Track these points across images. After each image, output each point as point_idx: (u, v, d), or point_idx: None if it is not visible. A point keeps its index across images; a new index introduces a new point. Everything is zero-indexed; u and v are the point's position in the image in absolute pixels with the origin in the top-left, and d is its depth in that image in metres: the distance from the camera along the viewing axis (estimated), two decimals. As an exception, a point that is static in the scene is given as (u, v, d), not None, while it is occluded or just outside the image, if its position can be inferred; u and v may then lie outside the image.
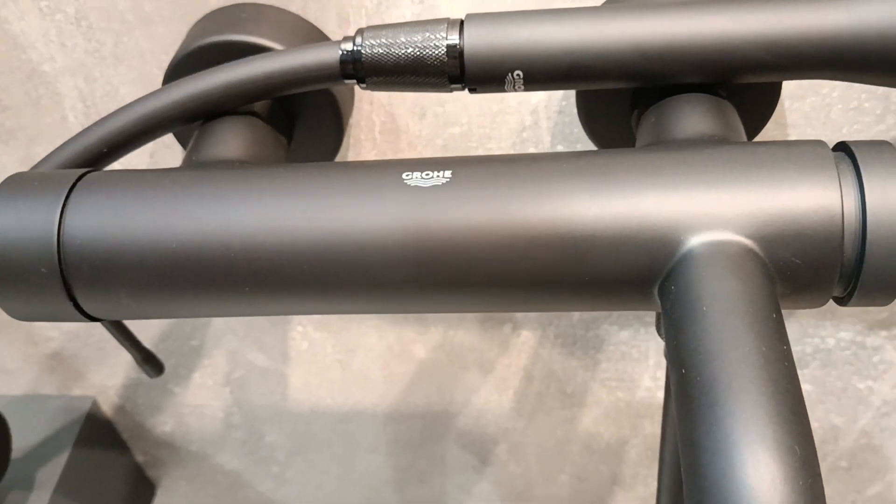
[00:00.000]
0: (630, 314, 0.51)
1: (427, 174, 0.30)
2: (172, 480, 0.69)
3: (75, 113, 0.44)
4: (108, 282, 0.31)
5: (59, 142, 0.45)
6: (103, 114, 0.43)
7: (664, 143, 0.32)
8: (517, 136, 0.42)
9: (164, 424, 0.63)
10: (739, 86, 0.34)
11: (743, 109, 0.35)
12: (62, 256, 0.31)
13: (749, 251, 0.27)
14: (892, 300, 0.29)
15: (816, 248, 0.27)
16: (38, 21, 0.40)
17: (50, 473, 0.59)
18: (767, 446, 0.22)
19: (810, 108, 0.40)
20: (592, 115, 0.37)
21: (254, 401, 0.60)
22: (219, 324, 0.54)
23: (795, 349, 0.52)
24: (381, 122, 0.42)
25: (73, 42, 0.41)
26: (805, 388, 0.54)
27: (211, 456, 0.66)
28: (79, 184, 0.32)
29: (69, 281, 0.31)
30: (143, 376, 0.59)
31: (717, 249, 0.27)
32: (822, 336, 0.51)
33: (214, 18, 0.38)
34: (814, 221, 0.27)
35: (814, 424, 0.56)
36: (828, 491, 0.61)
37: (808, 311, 0.50)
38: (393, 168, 0.30)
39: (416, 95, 0.41)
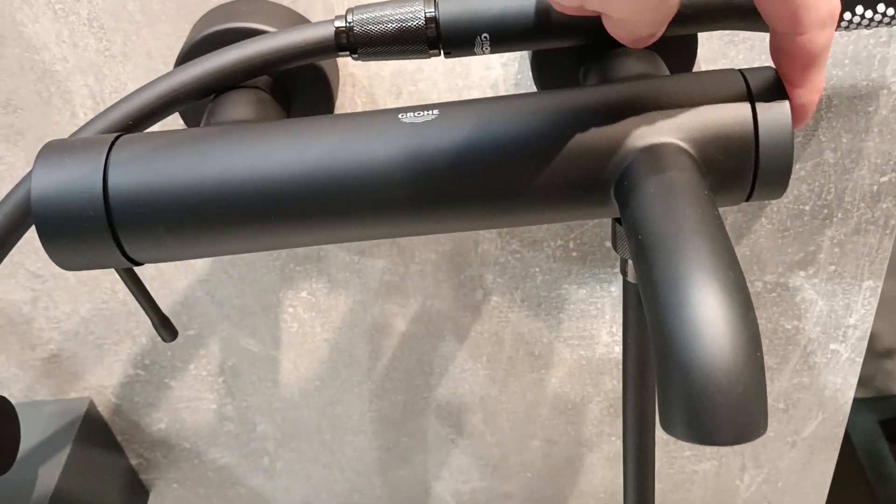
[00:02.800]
0: (586, 273, 0.57)
1: (418, 113, 0.36)
2: (165, 483, 0.72)
3: (85, 110, 0.49)
4: (149, 223, 0.36)
5: (70, 139, 0.50)
6: (112, 109, 0.49)
7: (608, 82, 0.39)
8: (480, 109, 0.49)
9: (160, 422, 0.66)
10: (664, 41, 0.42)
11: (668, 62, 0.42)
12: (108, 203, 0.36)
13: (683, 149, 0.34)
14: (783, 193, 0.36)
15: (734, 147, 0.35)
16: (51, 23, 0.45)
17: (47, 479, 0.62)
18: (708, 271, 0.29)
19: (722, 67, 0.48)
20: (545, 76, 0.45)
21: (246, 389, 0.64)
22: (214, 312, 0.59)
23: (730, 295, 0.59)
24: (362, 102, 0.48)
25: (84, 42, 0.46)
26: (742, 332, 0.61)
27: (203, 452, 0.69)
28: (117, 142, 0.37)
29: (115, 226, 0.36)
30: (142, 373, 0.62)
31: (658, 150, 0.34)
32: (750, 280, 0.58)
33: (217, 13, 0.44)
34: (730, 125, 0.35)
35: (753, 367, 0.63)
36: (769, 434, 0.68)
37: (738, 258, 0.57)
38: (389, 112, 0.37)
39: (392, 77, 0.48)
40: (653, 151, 0.34)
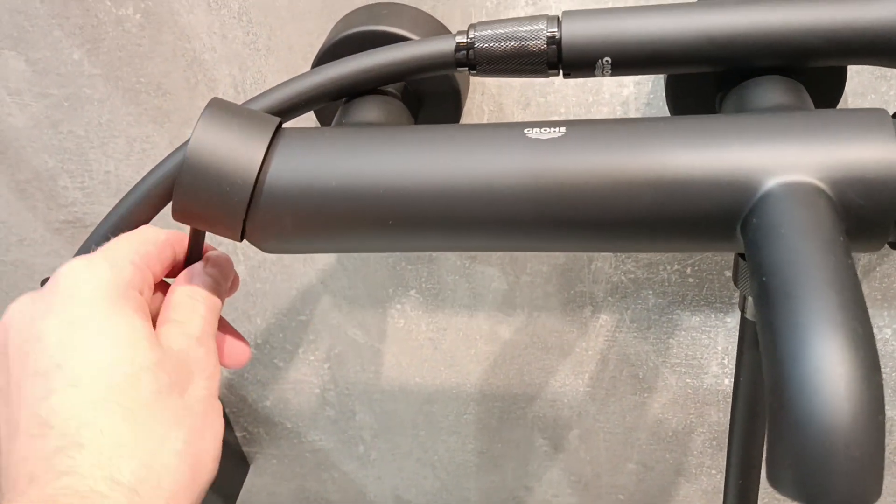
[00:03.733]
0: (702, 300, 0.56)
1: (544, 130, 0.36)
2: (265, 458, 0.74)
3: (227, 98, 0.51)
4: (275, 215, 0.37)
5: (211, 124, 0.52)
6: (251, 99, 0.51)
7: (747, 111, 0.38)
8: (608, 126, 0.48)
9: (266, 400, 0.69)
10: (810, 72, 0.40)
11: (813, 95, 0.41)
12: (257, 184, 0.36)
13: (820, 190, 0.33)
14: None
15: (877, 192, 0.33)
16: (205, 15, 0.48)
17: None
18: (835, 324, 0.27)
19: (870, 103, 0.46)
20: (680, 101, 0.43)
21: (349, 378, 0.66)
22: (326, 300, 0.61)
23: (855, 339, 0.56)
24: (489, 110, 0.49)
25: (233, 34, 0.48)
26: (864, 379, 0.58)
27: (303, 433, 0.71)
28: (280, 129, 0.37)
29: (252, 203, 0.36)
30: (253, 351, 0.65)
31: (793, 188, 0.33)
32: (879, 326, 0.55)
33: (358, 14, 0.45)
34: (875, 168, 0.33)
35: (872, 418, 0.60)
36: (885, 487, 0.64)
37: (866, 301, 0.54)
38: (516, 126, 0.37)
39: (522, 88, 0.48)
40: (787, 189, 0.33)
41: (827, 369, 0.27)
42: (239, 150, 0.36)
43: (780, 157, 0.33)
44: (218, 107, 0.36)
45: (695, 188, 0.34)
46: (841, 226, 0.32)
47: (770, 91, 0.38)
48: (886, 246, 0.36)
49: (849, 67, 0.44)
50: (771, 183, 0.33)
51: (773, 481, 0.28)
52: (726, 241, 0.35)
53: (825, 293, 0.29)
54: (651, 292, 0.56)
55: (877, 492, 0.27)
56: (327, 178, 0.36)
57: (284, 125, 0.39)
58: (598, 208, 0.35)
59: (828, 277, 0.29)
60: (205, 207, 0.37)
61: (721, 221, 0.34)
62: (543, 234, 0.36)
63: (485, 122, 0.49)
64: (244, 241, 0.39)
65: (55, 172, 0.57)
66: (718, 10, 0.36)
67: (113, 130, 0.54)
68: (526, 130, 0.36)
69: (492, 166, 0.36)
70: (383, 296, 0.60)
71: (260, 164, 0.35)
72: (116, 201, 0.42)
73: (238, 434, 0.73)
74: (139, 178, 0.41)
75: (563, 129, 0.36)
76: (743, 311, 0.41)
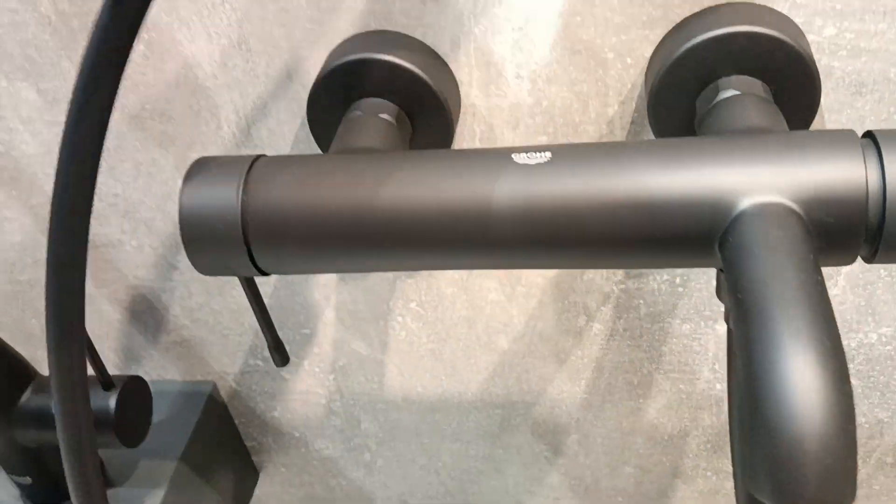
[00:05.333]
0: (691, 308, 0.57)
1: (531, 155, 0.38)
2: (274, 467, 0.77)
3: (229, 123, 0.53)
4: (278, 237, 0.40)
5: (212, 147, 0.54)
6: (253, 124, 0.53)
7: (723, 132, 0.40)
8: (596, 144, 0.50)
9: (273, 410, 0.71)
10: (782, 91, 0.42)
11: (788, 112, 0.42)
12: (244, 216, 0.39)
13: (791, 210, 0.35)
14: None
15: (845, 209, 0.35)
16: (206, 44, 0.50)
17: (172, 452, 0.67)
18: (803, 338, 0.29)
19: (847, 119, 0.47)
20: (661, 120, 0.45)
21: (354, 388, 0.68)
22: (329, 314, 0.63)
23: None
24: (480, 131, 0.51)
25: (233, 62, 0.50)
26: (852, 382, 0.59)
27: (311, 442, 0.73)
28: (256, 163, 0.41)
29: (248, 237, 0.40)
30: (261, 363, 0.67)
31: (766, 209, 0.35)
32: (864, 332, 0.57)
33: (350, 42, 0.47)
34: (842, 187, 0.34)
35: (860, 419, 0.61)
36: (875, 487, 0.66)
37: (851, 307, 0.56)
38: (504, 151, 0.39)
39: (511, 109, 0.49)
40: (760, 211, 0.35)
41: (799, 381, 0.29)
42: (220, 201, 0.39)
43: (753, 179, 0.35)
44: (195, 168, 0.40)
45: (673, 209, 0.36)
46: (811, 243, 0.34)
47: (745, 114, 0.40)
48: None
49: (823, 84, 0.46)
50: (745, 203, 0.35)
51: (753, 488, 0.30)
52: (705, 258, 0.37)
53: (795, 309, 0.30)
54: (642, 302, 0.58)
55: (850, 496, 0.28)
56: (309, 203, 0.39)
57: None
58: (582, 229, 0.37)
59: (798, 294, 0.31)
60: (214, 259, 0.40)
61: (699, 240, 0.36)
62: (531, 254, 0.38)
63: (476, 142, 0.51)
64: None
65: (66, 196, 0.59)
66: None
67: (121, 155, 0.56)
68: (513, 155, 0.38)
69: (480, 191, 0.38)
70: (384, 309, 0.62)
71: (239, 205, 0.38)
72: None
73: (247, 443, 0.75)
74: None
75: (548, 154, 0.38)
76: (728, 322, 0.43)
